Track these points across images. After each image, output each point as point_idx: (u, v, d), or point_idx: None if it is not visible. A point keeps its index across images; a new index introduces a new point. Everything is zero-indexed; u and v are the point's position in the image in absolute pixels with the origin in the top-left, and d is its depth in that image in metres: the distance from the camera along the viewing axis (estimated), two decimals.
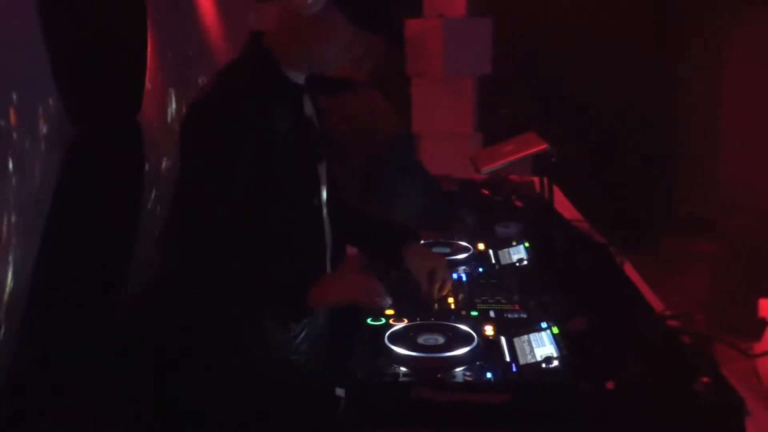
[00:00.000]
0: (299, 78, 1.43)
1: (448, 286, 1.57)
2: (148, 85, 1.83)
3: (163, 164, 1.98)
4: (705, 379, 1.20)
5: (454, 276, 1.68)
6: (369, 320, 1.45)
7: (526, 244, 1.92)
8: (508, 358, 1.30)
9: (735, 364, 1.29)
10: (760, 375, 2.86)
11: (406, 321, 1.43)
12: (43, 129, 1.42)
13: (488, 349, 1.32)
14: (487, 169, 2.03)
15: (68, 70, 1.46)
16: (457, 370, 1.25)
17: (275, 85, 1.37)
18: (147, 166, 1.85)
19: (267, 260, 1.34)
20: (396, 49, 1.45)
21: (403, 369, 1.25)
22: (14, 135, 1.29)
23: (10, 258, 1.28)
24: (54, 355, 1.39)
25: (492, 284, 1.67)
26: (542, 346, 1.32)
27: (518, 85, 4.42)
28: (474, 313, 1.50)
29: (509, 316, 1.49)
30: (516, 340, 1.36)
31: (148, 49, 1.81)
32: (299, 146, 1.39)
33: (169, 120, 2.04)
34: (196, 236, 1.27)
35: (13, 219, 1.26)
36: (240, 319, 1.34)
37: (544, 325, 1.39)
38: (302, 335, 1.39)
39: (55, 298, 1.41)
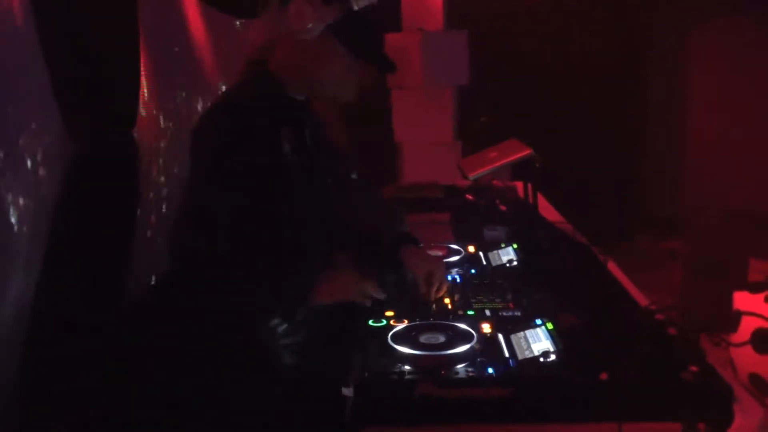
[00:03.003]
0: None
1: (445, 288, 1.62)
2: (141, 102, 1.86)
3: (156, 175, 2.01)
4: (693, 369, 1.26)
5: (449, 278, 1.74)
6: (371, 322, 1.49)
7: (515, 246, 1.98)
8: (506, 354, 1.35)
9: (711, 355, 1.34)
10: (735, 365, 2.95)
11: (406, 321, 1.48)
12: (45, 146, 1.45)
13: (487, 346, 1.37)
14: (474, 175, 2.09)
15: (67, 90, 1.49)
16: (460, 366, 1.30)
17: (280, 102, 1.45)
18: (141, 178, 1.88)
19: (272, 262, 1.38)
20: (388, 71, 1.57)
21: (407, 367, 1.30)
22: (17, 153, 1.32)
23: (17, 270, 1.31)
24: (57, 363, 1.41)
25: (485, 284, 1.73)
26: (538, 341, 1.38)
27: (495, 93, 4.52)
28: (471, 313, 1.55)
29: (504, 314, 1.54)
30: (513, 337, 1.41)
31: (141, 68, 1.85)
32: (303, 159, 1.44)
33: (161, 134, 2.07)
34: (207, 230, 1.34)
35: (24, 229, 1.29)
36: (242, 318, 1.38)
37: (538, 321, 1.45)
38: (303, 335, 1.44)
39: (60, 305, 1.43)
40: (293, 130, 1.46)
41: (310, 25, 1.38)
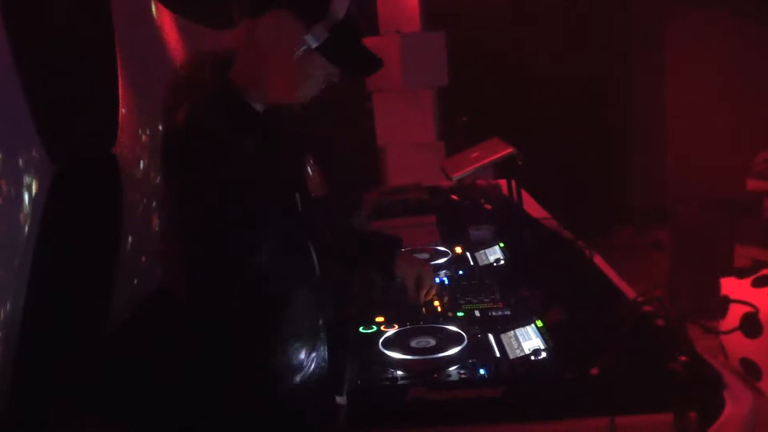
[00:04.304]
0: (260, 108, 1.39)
1: (434, 291, 1.62)
2: (121, 117, 1.85)
3: (137, 191, 1.99)
4: (682, 358, 1.27)
5: (437, 280, 1.74)
6: (361, 329, 1.49)
7: (501, 245, 1.99)
8: (498, 354, 1.36)
9: (701, 342, 1.36)
10: (726, 351, 2.98)
11: (396, 326, 1.49)
12: (25, 166, 1.44)
13: (478, 347, 1.38)
14: (458, 176, 2.10)
15: (44, 108, 1.48)
16: (452, 368, 1.30)
17: (244, 117, 1.33)
18: (123, 195, 1.87)
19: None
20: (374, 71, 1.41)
21: (399, 372, 1.30)
22: None
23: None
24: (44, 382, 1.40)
25: (473, 285, 1.73)
26: (529, 339, 1.38)
27: (475, 93, 4.55)
28: (460, 314, 1.56)
29: (494, 313, 1.55)
30: (503, 336, 1.42)
31: (120, 82, 1.83)
32: (274, 173, 1.38)
33: (142, 149, 2.06)
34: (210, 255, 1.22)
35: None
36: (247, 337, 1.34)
37: (528, 319, 1.45)
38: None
39: (44, 323, 1.42)
40: (260, 145, 1.34)
41: (294, 52, 1.22)
